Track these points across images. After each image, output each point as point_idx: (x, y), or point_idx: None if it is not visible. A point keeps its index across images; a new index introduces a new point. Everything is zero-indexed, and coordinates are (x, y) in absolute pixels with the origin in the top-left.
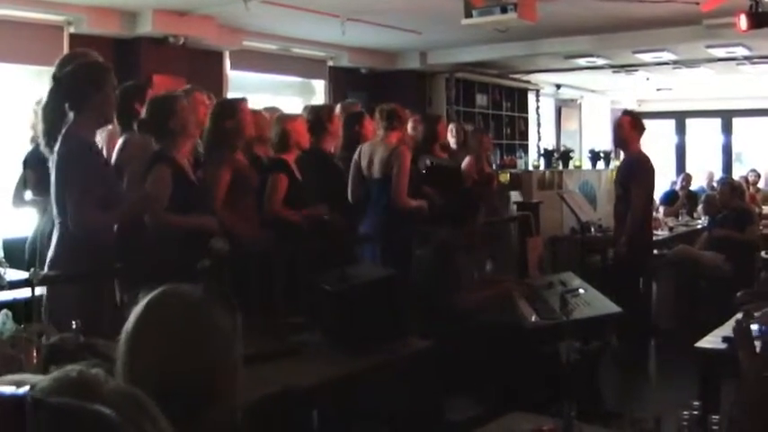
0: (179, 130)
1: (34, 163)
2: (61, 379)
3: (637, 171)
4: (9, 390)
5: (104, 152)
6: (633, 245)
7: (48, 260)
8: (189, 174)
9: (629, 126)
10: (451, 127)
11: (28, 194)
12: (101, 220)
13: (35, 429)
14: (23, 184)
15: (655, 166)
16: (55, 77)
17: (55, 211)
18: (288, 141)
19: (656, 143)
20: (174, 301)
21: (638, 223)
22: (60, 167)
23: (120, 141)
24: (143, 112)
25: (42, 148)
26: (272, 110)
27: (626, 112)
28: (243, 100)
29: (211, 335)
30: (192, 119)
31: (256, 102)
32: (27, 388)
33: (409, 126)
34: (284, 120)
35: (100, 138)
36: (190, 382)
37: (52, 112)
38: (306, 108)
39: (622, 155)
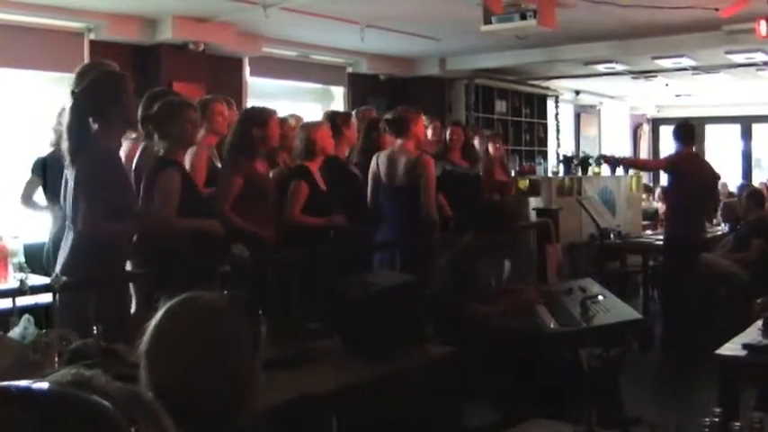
0: (179, 138)
1: (53, 167)
2: (53, 377)
3: (675, 173)
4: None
5: (125, 161)
6: (676, 247)
7: (59, 265)
8: (194, 179)
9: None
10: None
11: (36, 196)
12: (108, 229)
13: (21, 420)
14: (32, 186)
15: (695, 167)
16: (73, 93)
17: (70, 217)
18: (313, 149)
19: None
20: (195, 309)
21: (674, 225)
22: (79, 176)
23: (140, 148)
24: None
25: (66, 164)
26: (295, 117)
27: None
28: (274, 112)
29: (232, 343)
30: (194, 131)
31: (276, 108)
32: (27, 382)
33: (429, 132)
34: (309, 127)
35: (123, 148)
36: (210, 389)
37: (75, 128)
38: (324, 114)
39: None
